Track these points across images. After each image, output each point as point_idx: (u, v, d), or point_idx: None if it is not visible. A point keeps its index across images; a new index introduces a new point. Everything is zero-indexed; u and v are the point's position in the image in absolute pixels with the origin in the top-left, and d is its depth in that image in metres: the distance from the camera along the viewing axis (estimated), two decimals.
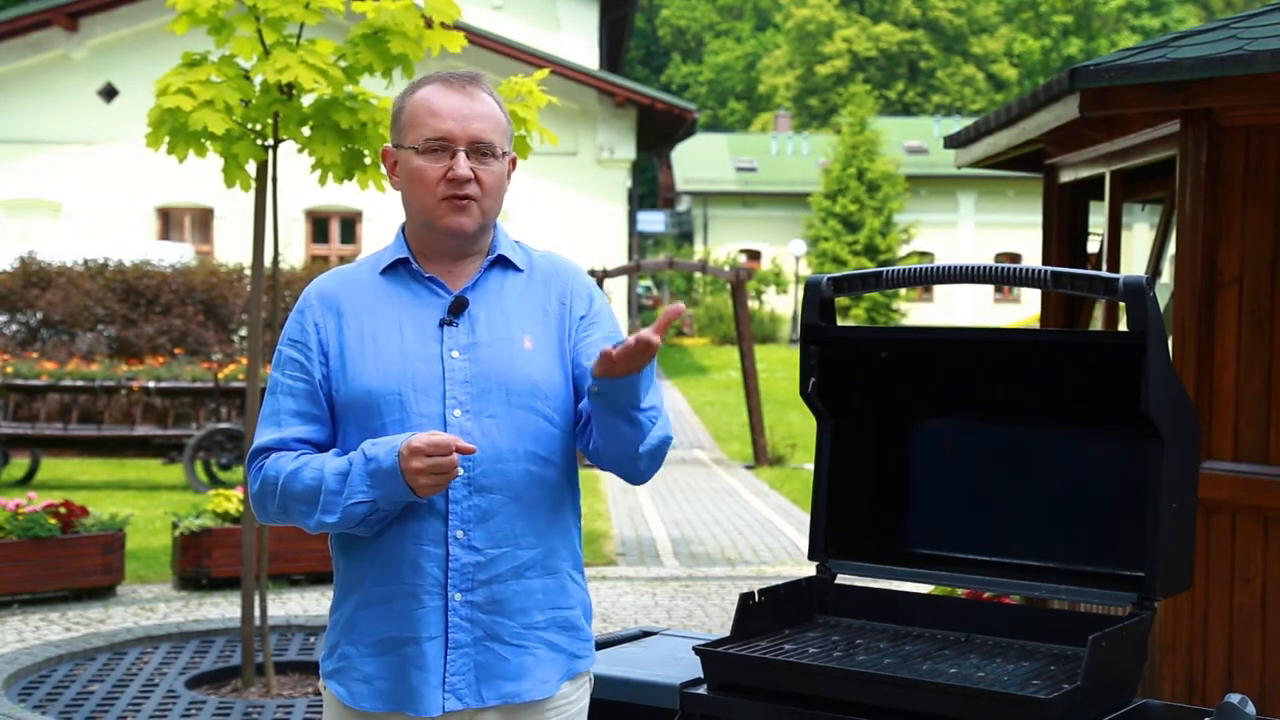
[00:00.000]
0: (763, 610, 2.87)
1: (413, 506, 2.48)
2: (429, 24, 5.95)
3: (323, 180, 6.10)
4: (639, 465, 2.54)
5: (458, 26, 6.11)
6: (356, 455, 2.45)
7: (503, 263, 2.61)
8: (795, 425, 18.45)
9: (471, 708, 2.51)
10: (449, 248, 2.57)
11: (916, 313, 41.73)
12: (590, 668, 2.67)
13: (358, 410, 2.52)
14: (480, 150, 2.52)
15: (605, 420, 2.48)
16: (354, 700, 2.56)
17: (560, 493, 2.58)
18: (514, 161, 2.63)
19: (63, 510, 8.36)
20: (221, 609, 8.18)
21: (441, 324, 2.53)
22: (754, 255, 44.27)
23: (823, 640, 2.85)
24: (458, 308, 2.54)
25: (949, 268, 2.78)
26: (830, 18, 58.90)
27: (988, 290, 42.91)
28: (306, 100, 6.06)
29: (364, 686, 2.55)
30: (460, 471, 2.45)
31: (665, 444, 2.56)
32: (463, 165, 2.50)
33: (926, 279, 2.81)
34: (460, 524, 2.49)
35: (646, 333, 2.34)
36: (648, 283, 45.86)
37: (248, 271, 11.07)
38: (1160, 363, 2.56)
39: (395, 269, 2.59)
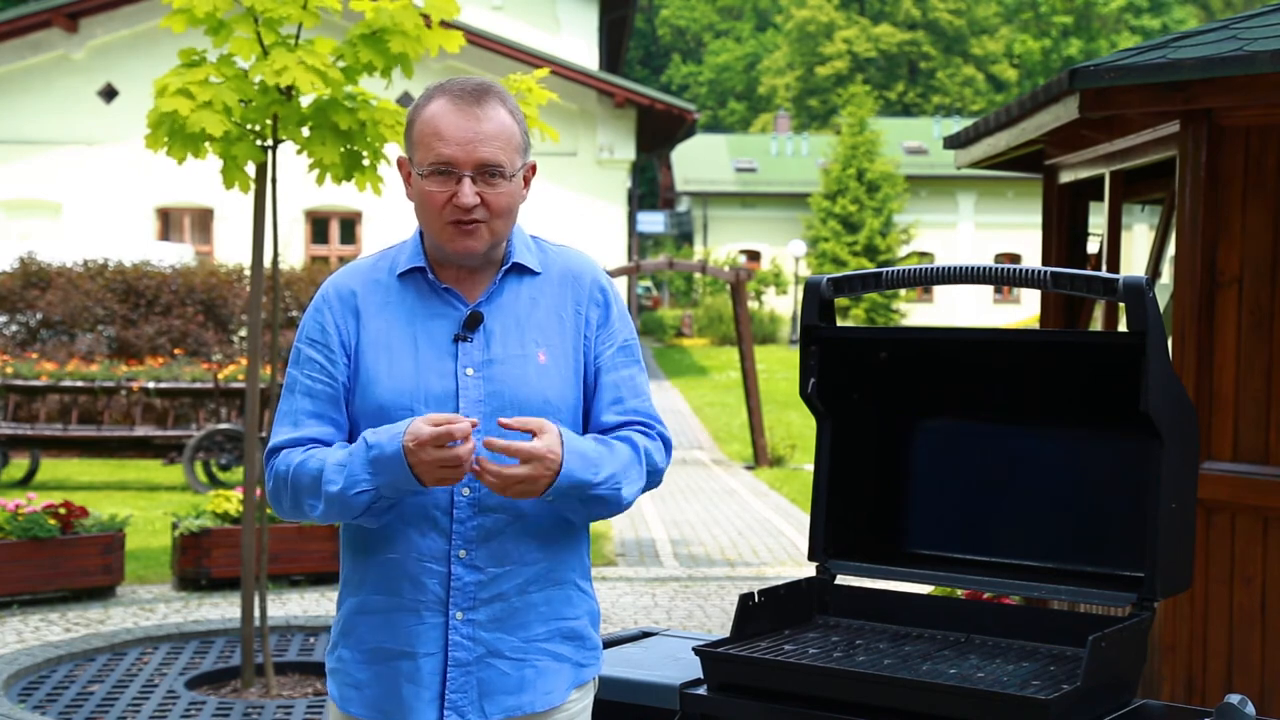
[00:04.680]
0: (762, 611, 2.87)
1: (418, 523, 2.47)
2: (428, 22, 5.95)
3: (320, 180, 6.09)
4: (624, 508, 2.58)
5: (456, 26, 6.11)
6: (358, 443, 2.43)
7: (518, 269, 2.58)
8: (795, 426, 18.45)
9: None
10: (461, 262, 2.54)
11: (916, 313, 41.74)
12: (596, 675, 2.66)
13: (370, 420, 2.50)
14: (487, 173, 2.46)
15: (574, 510, 2.49)
16: (343, 704, 2.56)
17: None
18: (533, 168, 2.57)
19: (62, 511, 8.36)
20: (221, 609, 8.17)
21: (456, 339, 2.51)
22: (754, 256, 44.28)
23: (822, 641, 2.85)
24: (472, 323, 2.51)
25: (949, 268, 2.78)
26: (830, 18, 58.90)
27: (988, 291, 42.91)
28: (305, 101, 6.05)
29: (354, 692, 2.55)
30: (469, 492, 2.45)
31: (654, 478, 2.60)
32: (467, 193, 2.44)
33: (926, 279, 2.81)
34: (463, 544, 2.47)
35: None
36: (647, 283, 45.87)
37: (248, 272, 11.08)
38: (1160, 363, 2.56)
39: (412, 274, 2.56)
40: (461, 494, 2.46)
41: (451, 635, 2.47)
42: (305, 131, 6.03)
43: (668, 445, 2.65)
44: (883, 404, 3.08)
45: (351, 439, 2.54)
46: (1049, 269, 2.69)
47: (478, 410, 2.48)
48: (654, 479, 2.60)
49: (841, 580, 3.05)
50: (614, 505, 2.50)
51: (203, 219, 23.45)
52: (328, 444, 2.53)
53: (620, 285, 24.88)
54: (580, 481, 2.43)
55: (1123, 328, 3.11)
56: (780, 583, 2.96)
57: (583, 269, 2.63)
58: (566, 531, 2.56)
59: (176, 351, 15.86)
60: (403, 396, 2.48)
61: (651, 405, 2.64)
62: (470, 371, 2.50)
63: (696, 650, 2.75)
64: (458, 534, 2.47)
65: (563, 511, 2.50)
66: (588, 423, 2.59)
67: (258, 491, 6.40)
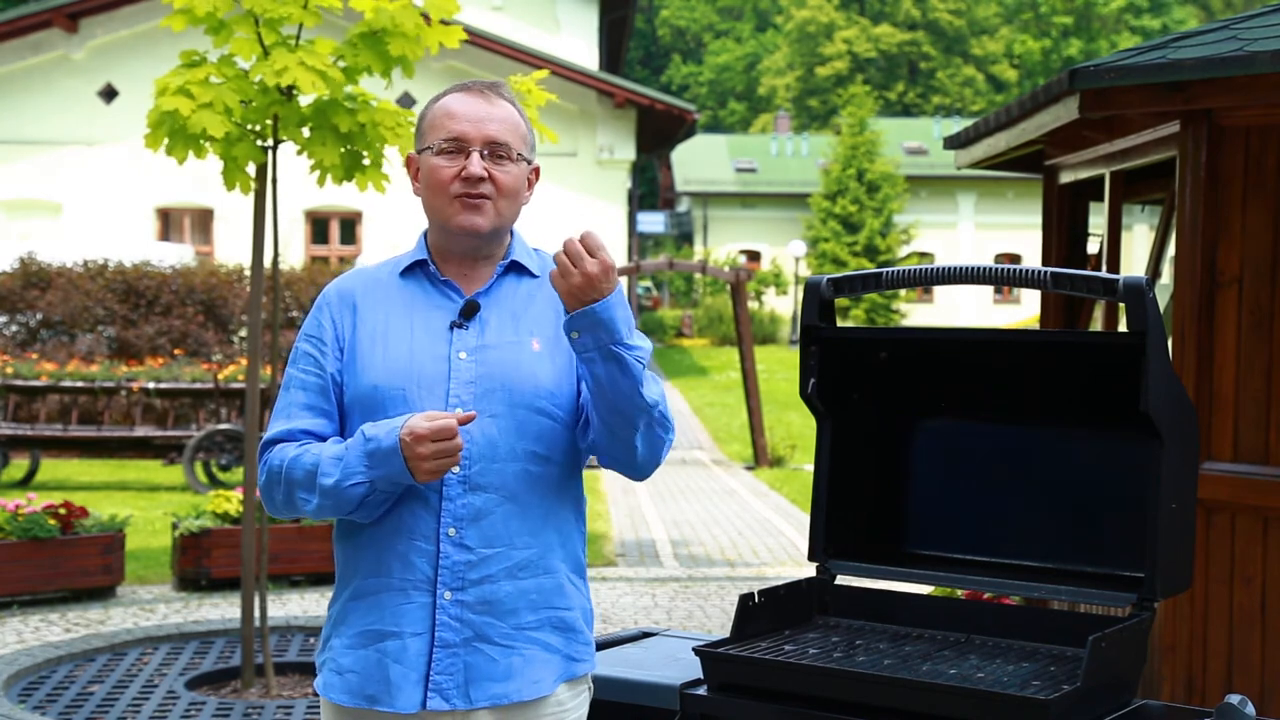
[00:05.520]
0: (762, 611, 2.87)
1: (408, 502, 2.49)
2: (427, 20, 5.94)
3: (321, 181, 6.09)
4: (636, 447, 2.49)
5: (456, 24, 6.11)
6: (355, 436, 2.47)
7: (516, 268, 2.63)
8: (795, 426, 18.45)
9: (460, 709, 2.50)
10: (465, 248, 2.59)
11: (916, 313, 41.74)
12: (589, 672, 2.66)
13: (363, 404, 2.54)
14: (496, 152, 2.55)
15: (596, 368, 2.42)
16: (325, 690, 2.58)
17: (559, 493, 2.58)
18: (537, 171, 2.65)
19: (62, 511, 8.36)
20: (221, 610, 8.18)
21: (452, 326, 2.56)
22: (754, 256, 44.28)
23: (822, 641, 2.85)
24: (469, 311, 2.56)
25: (949, 269, 2.78)
26: (830, 19, 58.89)
27: (988, 291, 42.91)
28: (305, 101, 6.05)
29: (337, 678, 2.56)
30: (458, 470, 2.47)
31: (666, 425, 2.53)
32: (476, 164, 2.53)
33: (926, 280, 2.81)
34: (453, 522, 2.49)
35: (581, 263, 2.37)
36: (647, 283, 45.87)
37: (248, 272, 11.09)
38: (1160, 363, 2.56)
39: (413, 270, 2.63)
40: (452, 471, 2.48)
41: (439, 615, 2.49)
42: (305, 132, 6.03)
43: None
44: (883, 404, 3.08)
45: (343, 429, 2.58)
46: (1049, 269, 2.69)
47: (469, 391, 2.51)
48: (665, 426, 2.53)
49: (841, 580, 3.05)
50: (633, 378, 2.42)
51: (203, 219, 23.45)
52: (320, 436, 2.57)
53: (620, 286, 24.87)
54: (615, 323, 2.40)
55: (1123, 328, 3.10)
56: (780, 583, 2.96)
57: None
58: (558, 521, 2.58)
59: (176, 352, 15.86)
60: (395, 377, 2.52)
61: None
62: (463, 355, 2.54)
63: (696, 650, 2.75)
64: (447, 511, 2.49)
65: (586, 372, 2.44)
66: (580, 412, 2.59)
67: (257, 491, 6.40)
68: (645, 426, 2.50)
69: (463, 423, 2.40)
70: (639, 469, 2.56)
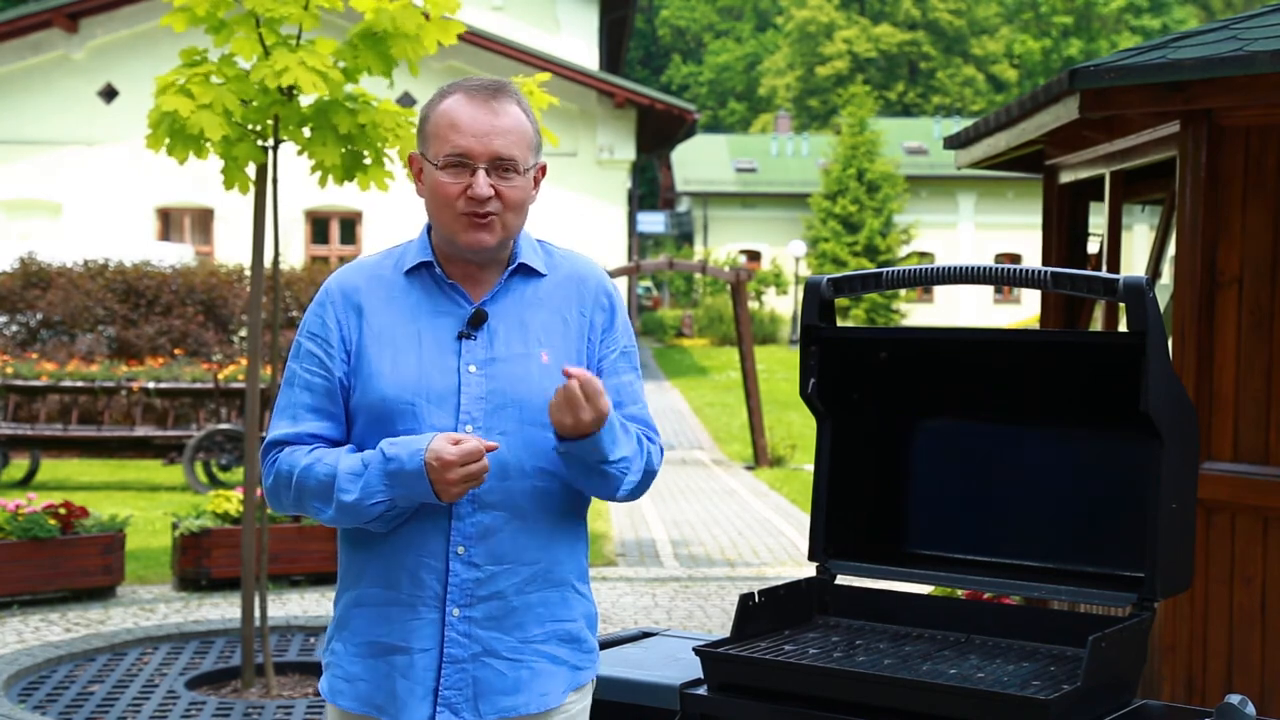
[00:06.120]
0: (762, 611, 2.87)
1: (417, 519, 2.47)
2: (427, 17, 5.94)
3: (322, 182, 6.09)
4: (617, 499, 2.60)
5: (455, 21, 6.10)
6: (374, 455, 2.44)
7: (524, 270, 2.59)
8: (795, 426, 18.45)
9: None
10: (471, 258, 2.55)
11: (916, 313, 41.74)
12: (593, 678, 2.66)
13: (371, 414, 2.51)
14: (501, 166, 2.49)
15: (577, 476, 2.51)
16: (332, 696, 2.57)
17: (566, 507, 2.57)
18: (543, 169, 2.59)
19: (62, 511, 8.36)
20: (221, 609, 8.18)
21: (460, 336, 2.52)
22: (754, 256, 44.27)
23: (822, 641, 2.85)
24: (477, 321, 2.52)
25: (949, 268, 2.78)
26: (830, 19, 58.89)
27: (988, 291, 42.91)
28: (306, 101, 6.05)
29: (344, 685, 2.55)
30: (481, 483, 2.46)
31: (648, 479, 2.61)
32: (482, 184, 2.47)
33: (926, 280, 2.81)
34: (462, 540, 2.47)
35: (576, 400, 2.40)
36: (648, 283, 45.87)
37: (248, 272, 11.08)
38: (1160, 363, 2.56)
39: (419, 271, 2.57)
40: None
41: (448, 632, 2.48)
42: (306, 132, 6.02)
43: (661, 452, 2.68)
44: (883, 404, 3.08)
45: (350, 433, 2.55)
46: (1049, 269, 2.69)
47: (479, 406, 2.49)
48: (647, 480, 2.61)
49: (841, 580, 3.05)
50: (613, 486, 2.52)
51: (203, 219, 23.45)
52: (327, 439, 2.54)
53: (620, 285, 24.89)
54: (602, 450, 2.45)
55: (1123, 328, 3.11)
56: (780, 583, 2.96)
57: (588, 273, 2.65)
58: (565, 533, 2.57)
59: (176, 351, 15.87)
60: (405, 391, 2.48)
61: (648, 412, 2.67)
62: (473, 369, 2.50)
63: (696, 650, 2.75)
64: (456, 530, 2.47)
65: (567, 471, 2.50)
66: None
67: (258, 491, 6.40)
68: (626, 495, 2.59)
69: (488, 450, 2.40)
70: (615, 502, 2.64)
